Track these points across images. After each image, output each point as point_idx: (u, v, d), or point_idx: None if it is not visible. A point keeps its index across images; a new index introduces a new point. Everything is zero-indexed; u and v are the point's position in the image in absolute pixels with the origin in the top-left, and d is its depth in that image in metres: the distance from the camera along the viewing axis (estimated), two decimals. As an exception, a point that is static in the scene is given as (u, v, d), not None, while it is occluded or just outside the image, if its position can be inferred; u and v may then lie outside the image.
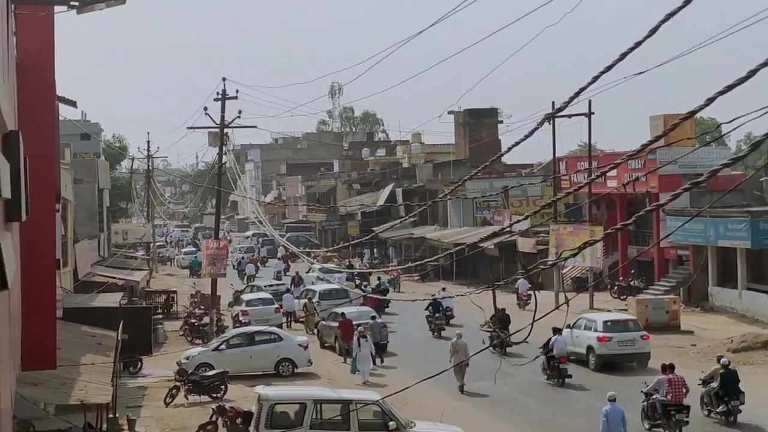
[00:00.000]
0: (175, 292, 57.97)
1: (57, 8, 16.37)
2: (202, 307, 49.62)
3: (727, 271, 47.29)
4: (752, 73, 8.01)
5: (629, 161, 47.16)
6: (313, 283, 56.37)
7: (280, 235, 70.70)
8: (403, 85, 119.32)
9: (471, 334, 35.84)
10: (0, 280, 8.85)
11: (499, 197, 65.56)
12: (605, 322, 35.68)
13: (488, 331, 38.15)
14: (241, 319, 46.33)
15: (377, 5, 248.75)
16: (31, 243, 15.37)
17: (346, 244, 64.44)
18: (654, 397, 25.46)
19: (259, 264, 78.03)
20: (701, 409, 26.92)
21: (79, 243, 47.55)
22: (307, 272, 62.11)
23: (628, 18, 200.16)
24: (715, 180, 40.18)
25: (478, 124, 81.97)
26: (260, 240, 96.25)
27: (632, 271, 53.28)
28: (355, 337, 35.20)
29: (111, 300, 36.36)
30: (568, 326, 31.72)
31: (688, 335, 41.34)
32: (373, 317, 40.31)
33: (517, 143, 12.38)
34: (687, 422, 25.08)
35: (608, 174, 45.17)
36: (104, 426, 21.11)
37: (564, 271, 53.72)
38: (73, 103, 35.98)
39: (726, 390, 26.37)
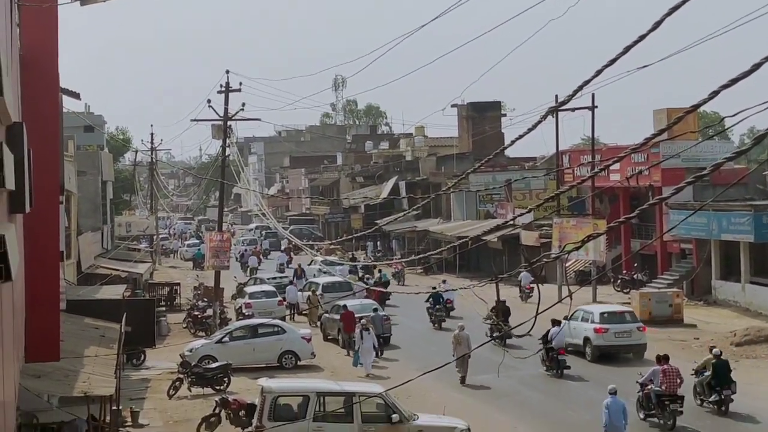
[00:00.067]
0: (178, 284, 57.99)
1: (60, 0, 16.38)
2: (205, 299, 49.64)
3: (730, 265, 47.30)
4: (756, 67, 8.00)
5: (632, 155, 47.17)
6: (314, 276, 56.42)
7: (283, 227, 70.74)
8: (406, 78, 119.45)
9: (473, 326, 35.90)
10: (4, 271, 8.86)
11: (503, 190, 65.58)
12: (602, 313, 36.15)
13: (490, 324, 38.27)
14: (244, 311, 46.36)
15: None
16: (34, 235, 15.39)
17: (350, 236, 64.49)
18: (649, 387, 25.85)
19: (261, 256, 78.06)
20: (694, 399, 27.32)
21: (83, 235, 47.60)
22: (309, 264, 62.14)
23: (632, 12, 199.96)
24: (718, 174, 40.23)
25: (482, 118, 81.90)
26: (263, 232, 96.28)
27: (635, 265, 53.27)
28: (357, 330, 35.23)
29: (114, 292, 36.39)
30: (565, 318, 31.99)
31: (691, 329, 41.35)
32: (375, 310, 40.37)
33: (520, 136, 12.41)
34: (681, 412, 25.46)
35: (611, 167, 45.26)
36: (108, 418, 21.12)
37: (567, 265, 53.73)
38: (76, 95, 35.97)
39: (718, 380, 26.85)
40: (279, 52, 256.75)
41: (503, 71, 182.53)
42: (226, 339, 36.16)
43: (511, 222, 53.89)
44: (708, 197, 44.41)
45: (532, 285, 49.49)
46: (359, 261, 69.16)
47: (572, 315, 33.03)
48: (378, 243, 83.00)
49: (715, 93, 8.42)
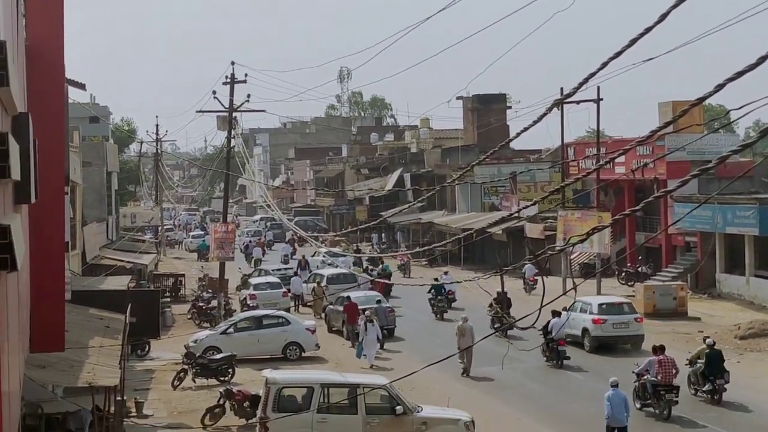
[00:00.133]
0: (183, 275, 58.05)
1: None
2: (210, 290, 49.70)
3: (735, 258, 47.26)
4: (762, 60, 7.99)
5: (638, 147, 47.13)
6: (318, 267, 56.47)
7: (288, 219, 70.75)
8: (411, 70, 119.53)
9: (475, 317, 35.97)
10: (9, 262, 8.88)
11: (507, 183, 65.52)
12: (600, 304, 36.48)
13: (492, 315, 38.35)
14: (248, 302, 46.41)
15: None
16: (40, 225, 15.39)
17: (354, 228, 64.46)
18: (645, 377, 26.24)
19: (265, 247, 78.11)
20: (688, 388, 27.73)
21: (88, 226, 47.63)
22: (312, 256, 62.17)
23: (638, 4, 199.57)
24: (723, 167, 40.19)
25: (487, 110, 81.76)
26: (267, 224, 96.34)
27: (640, 258, 53.25)
28: (361, 322, 35.27)
29: (119, 283, 36.44)
30: (564, 309, 32.22)
31: (695, 322, 41.35)
32: (379, 301, 40.41)
33: (525, 129, 12.38)
34: (676, 402, 25.84)
35: (616, 160, 45.19)
36: (112, 408, 21.17)
37: (572, 257, 53.71)
38: (82, 86, 36.03)
39: (711, 369, 27.27)
40: (285, 43, 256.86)
41: (509, 63, 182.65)
42: (231, 330, 36.20)
43: (516, 214, 53.94)
44: (713, 190, 44.35)
45: (536, 277, 49.56)
46: (364, 253, 69.22)
47: (571, 306, 33.24)
48: (383, 235, 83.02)
49: (721, 86, 8.41)
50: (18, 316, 12.17)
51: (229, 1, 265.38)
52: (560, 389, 30.14)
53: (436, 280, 45.88)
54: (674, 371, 26.06)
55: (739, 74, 8.19)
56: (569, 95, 11.97)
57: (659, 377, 25.86)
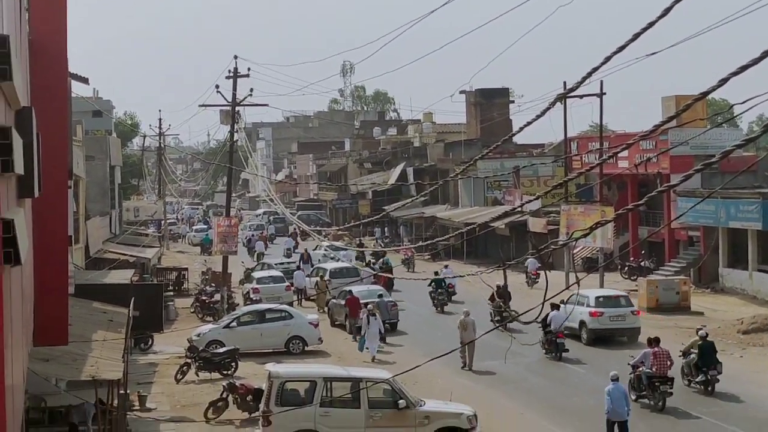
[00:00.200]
0: (186, 269, 58.10)
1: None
2: (213, 284, 49.73)
3: (738, 253, 47.23)
4: (765, 54, 7.98)
5: (641, 142, 47.10)
6: (319, 261, 56.47)
7: (291, 213, 70.78)
8: (414, 64, 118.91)
9: (476, 311, 35.99)
10: (13, 255, 8.89)
11: (511, 177, 65.48)
12: (597, 297, 36.63)
13: (493, 308, 38.39)
14: (251, 296, 46.40)
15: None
16: (43, 219, 15.40)
17: (357, 222, 64.45)
18: (640, 369, 26.56)
19: (267, 241, 78.10)
20: (682, 379, 28.06)
21: (91, 220, 47.67)
22: (314, 249, 62.16)
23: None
24: (726, 161, 40.10)
25: (490, 104, 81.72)
26: (270, 218, 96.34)
27: (643, 252, 53.25)
28: (363, 316, 35.29)
29: (122, 277, 36.53)
30: (562, 302, 32.32)
31: (698, 316, 41.33)
32: (380, 295, 40.41)
33: (528, 123, 12.37)
34: (671, 393, 26.16)
35: (619, 155, 45.19)
36: (115, 402, 21.20)
37: (575, 251, 53.70)
38: (85, 80, 36.05)
39: (704, 360, 27.63)
40: (288, 38, 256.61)
41: (512, 58, 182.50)
42: (234, 324, 36.21)
43: (519, 209, 53.89)
44: (716, 185, 44.32)
45: (538, 271, 49.64)
46: (367, 247, 69.18)
47: (568, 299, 33.29)
48: (386, 229, 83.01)
49: (724, 80, 8.40)
50: (21, 310, 12.19)
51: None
52: (561, 382, 30.22)
53: (436, 273, 46.00)
54: (669, 363, 26.39)
55: (743, 69, 8.19)
56: (572, 90, 11.96)
57: (654, 369, 26.19)
